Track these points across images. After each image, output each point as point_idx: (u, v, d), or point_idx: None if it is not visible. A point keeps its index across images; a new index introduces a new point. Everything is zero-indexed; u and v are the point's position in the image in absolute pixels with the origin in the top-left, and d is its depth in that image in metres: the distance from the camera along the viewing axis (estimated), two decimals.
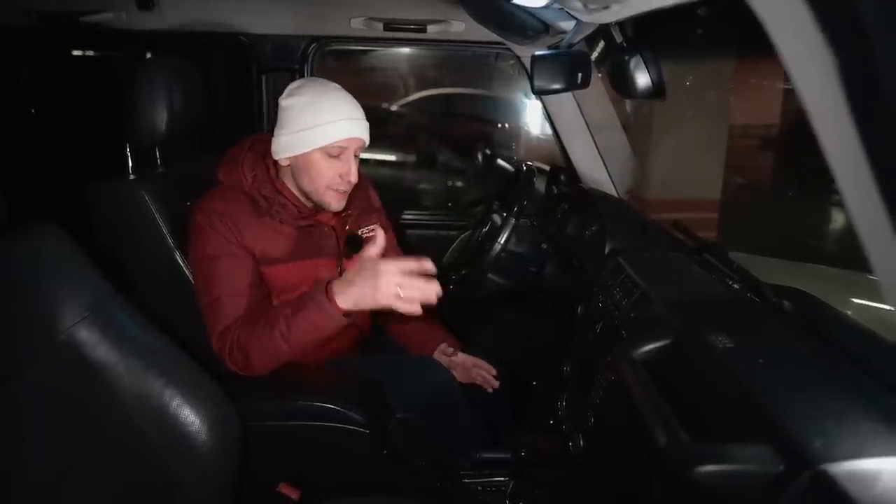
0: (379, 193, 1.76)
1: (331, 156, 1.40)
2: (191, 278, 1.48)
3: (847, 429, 0.70)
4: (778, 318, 1.03)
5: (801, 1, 0.48)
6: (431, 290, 1.23)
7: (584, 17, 1.30)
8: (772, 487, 0.66)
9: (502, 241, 1.79)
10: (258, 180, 1.45)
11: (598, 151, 2.02)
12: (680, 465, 0.72)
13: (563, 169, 2.11)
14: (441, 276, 1.57)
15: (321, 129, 1.37)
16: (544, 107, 2.04)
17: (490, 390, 1.66)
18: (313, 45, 2.11)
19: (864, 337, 0.98)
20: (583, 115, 2.00)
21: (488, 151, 3.62)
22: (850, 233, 0.55)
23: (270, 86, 2.11)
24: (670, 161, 4.17)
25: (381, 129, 3.94)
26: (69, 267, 1.10)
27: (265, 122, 2.13)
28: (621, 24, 1.34)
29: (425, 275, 1.25)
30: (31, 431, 1.02)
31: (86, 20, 1.99)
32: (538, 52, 1.54)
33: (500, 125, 4.06)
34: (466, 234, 2.31)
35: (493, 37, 1.96)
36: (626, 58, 1.36)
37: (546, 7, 1.31)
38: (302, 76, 2.11)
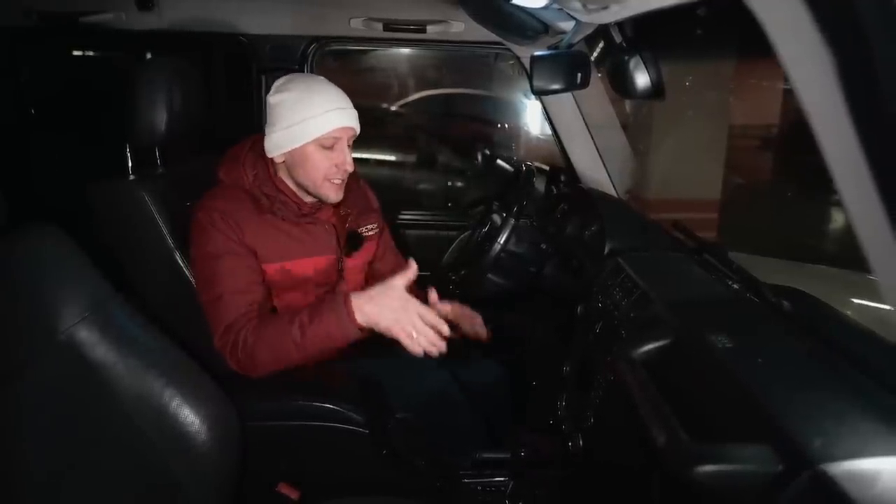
0: (377, 194, 1.77)
1: (325, 147, 1.41)
2: (191, 278, 1.48)
3: (846, 429, 0.70)
4: (777, 318, 1.03)
5: (799, 2, 0.48)
6: (440, 346, 1.29)
7: (584, 18, 1.30)
8: (771, 487, 0.66)
9: (502, 242, 1.79)
10: (259, 178, 1.45)
11: (598, 151, 2.02)
12: (679, 465, 0.72)
13: (562, 169, 2.11)
14: (441, 276, 1.57)
15: (313, 122, 1.39)
16: (544, 107, 2.04)
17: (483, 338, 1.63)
18: (313, 46, 2.11)
19: (864, 337, 0.98)
20: (582, 115, 2.00)
21: (488, 152, 3.62)
22: (849, 233, 0.55)
23: (270, 86, 2.11)
24: (670, 161, 4.17)
25: (381, 130, 3.95)
26: (69, 267, 1.10)
27: (265, 122, 2.13)
28: (621, 25, 1.34)
29: (439, 332, 1.31)
30: (32, 431, 1.02)
31: (86, 20, 1.99)
32: (538, 53, 1.54)
33: (499, 125, 4.07)
34: (466, 234, 2.31)
35: (493, 37, 1.96)
36: (626, 58, 1.36)
37: (546, 7, 1.31)
38: None
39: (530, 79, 1.54)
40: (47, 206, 1.54)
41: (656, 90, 1.37)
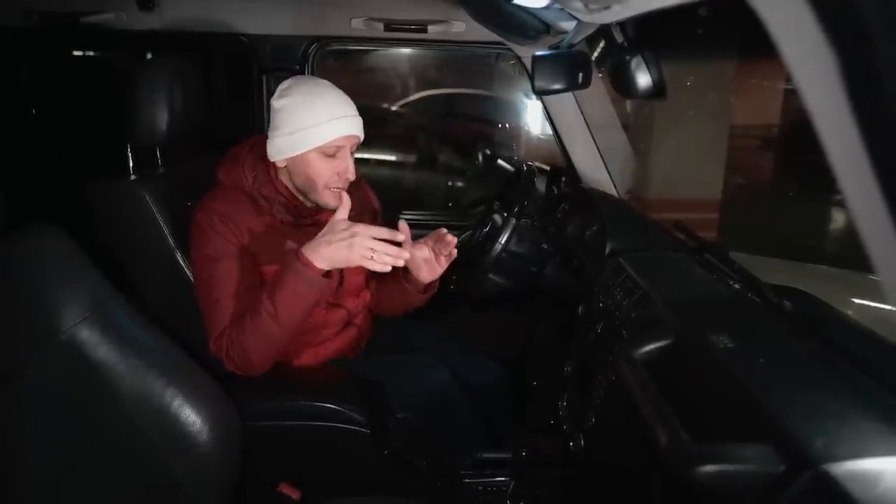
0: (377, 194, 1.76)
1: (327, 155, 1.40)
2: (191, 278, 1.48)
3: (848, 429, 0.70)
4: (778, 318, 1.03)
5: (802, 1, 0.48)
6: (402, 256, 1.29)
7: (585, 18, 1.30)
8: (773, 488, 0.66)
9: (503, 242, 1.79)
10: (258, 180, 1.45)
11: (599, 151, 2.02)
12: (680, 465, 0.71)
13: (563, 169, 2.11)
14: (442, 276, 1.57)
15: (316, 130, 1.37)
16: (545, 107, 2.04)
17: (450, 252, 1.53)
18: (314, 46, 2.11)
19: (865, 337, 0.98)
20: (583, 115, 2.00)
21: (489, 151, 3.61)
22: (850, 233, 0.55)
23: (271, 86, 2.11)
24: (671, 161, 4.17)
25: (382, 130, 3.95)
26: (69, 267, 1.10)
27: (266, 122, 2.13)
28: (622, 24, 1.34)
29: (395, 242, 1.30)
30: (32, 431, 1.02)
31: (86, 21, 1.99)
32: (539, 53, 1.54)
33: (500, 125, 4.07)
34: (467, 234, 2.31)
35: (494, 37, 1.96)
36: (627, 58, 1.36)
37: (547, 7, 1.31)
38: None
39: (531, 79, 1.54)
40: (47, 206, 1.54)
41: (657, 90, 1.37)
